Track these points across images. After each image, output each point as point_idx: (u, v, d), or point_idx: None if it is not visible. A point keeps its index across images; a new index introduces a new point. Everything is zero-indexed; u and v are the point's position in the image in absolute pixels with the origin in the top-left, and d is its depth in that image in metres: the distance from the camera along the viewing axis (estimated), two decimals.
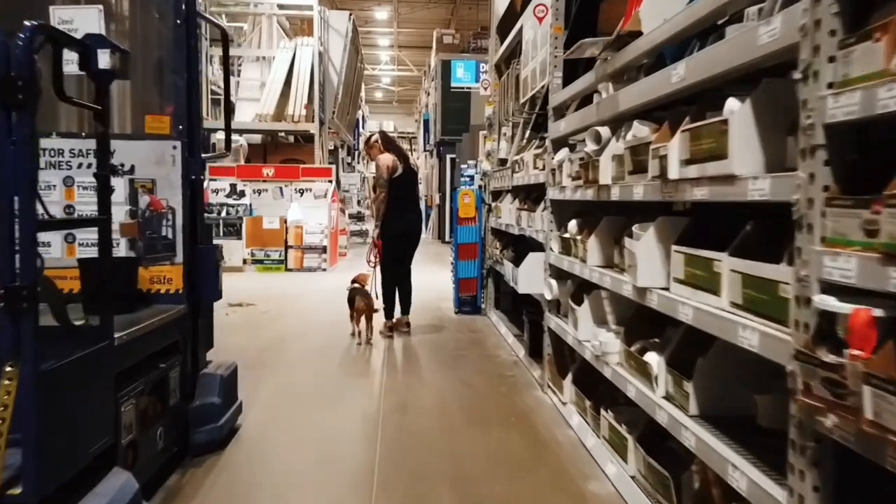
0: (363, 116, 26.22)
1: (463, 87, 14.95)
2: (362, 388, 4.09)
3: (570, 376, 3.56)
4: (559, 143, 3.87)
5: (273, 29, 13.85)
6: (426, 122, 21.50)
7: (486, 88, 10.08)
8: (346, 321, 5.43)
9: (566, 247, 3.54)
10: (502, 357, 4.85)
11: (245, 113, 13.74)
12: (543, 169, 4.15)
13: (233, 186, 10.59)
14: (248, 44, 14.46)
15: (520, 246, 4.85)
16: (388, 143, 5.69)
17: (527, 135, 5.28)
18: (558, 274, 3.88)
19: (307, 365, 4.61)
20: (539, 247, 4.13)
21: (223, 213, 10.29)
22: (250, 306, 6.90)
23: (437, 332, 5.73)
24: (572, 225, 3.49)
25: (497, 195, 6.27)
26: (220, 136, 12.41)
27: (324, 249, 10.26)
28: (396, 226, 5.54)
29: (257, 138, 13.98)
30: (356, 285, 5.63)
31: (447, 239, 16.01)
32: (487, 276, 6.53)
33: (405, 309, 5.74)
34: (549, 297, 3.87)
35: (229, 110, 3.34)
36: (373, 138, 5.71)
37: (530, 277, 4.04)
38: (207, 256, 3.02)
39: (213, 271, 3.03)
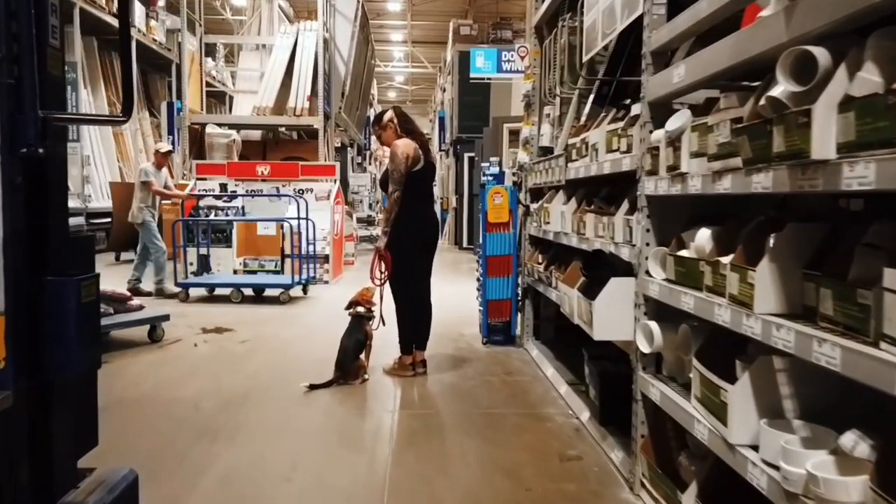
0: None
1: (483, 78, 13.57)
2: (354, 481, 2.71)
3: (693, 487, 2.16)
4: (661, 109, 2.49)
5: (274, 14, 12.58)
6: (441, 120, 20.20)
7: (522, 58, 8.70)
8: None
9: (689, 273, 2.14)
10: (556, 419, 3.45)
11: (243, 106, 12.49)
12: (628, 151, 2.77)
13: (223, 187, 9.27)
14: (246, 30, 13.19)
15: (586, 265, 3.44)
16: (407, 124, 4.31)
17: (586, 110, 3.89)
18: (660, 312, 2.49)
19: (280, 432, 3.24)
20: (622, 267, 2.73)
21: (211, 217, 8.95)
22: (227, 332, 5.55)
23: (462, 374, 4.34)
24: (702, 238, 2.09)
25: (538, 194, 4.89)
26: (213, 129, 11.22)
27: (326, 259, 8.91)
28: (415, 231, 4.18)
29: (257, 134, 12.71)
30: (359, 309, 4.27)
31: (465, 245, 14.65)
32: (524, 298, 5.13)
33: (421, 342, 4.37)
34: (646, 349, 2.48)
35: (127, 44, 1.99)
36: (386, 117, 4.31)
37: (612, 316, 2.64)
38: (62, 297, 1.66)
39: (72, 323, 1.67)
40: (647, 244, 2.51)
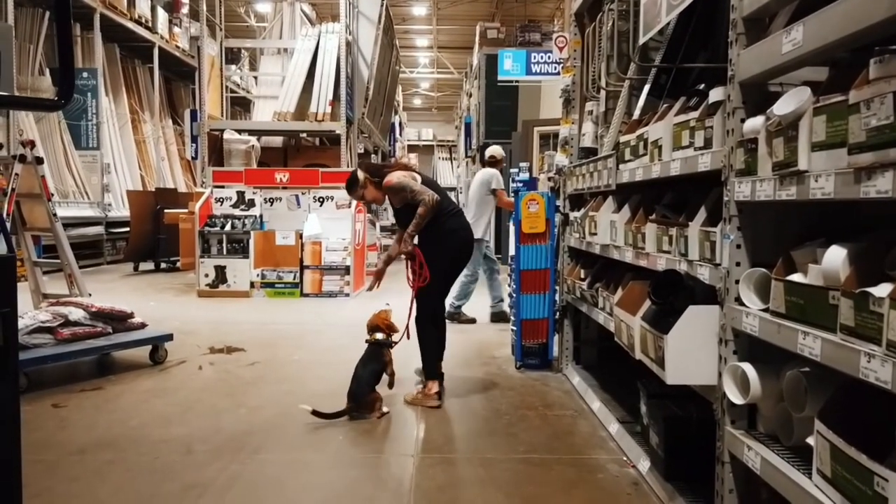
0: (400, 122, 24.52)
1: (511, 81, 13.04)
2: None
3: None
4: (756, 91, 1.94)
5: (296, 17, 12.23)
6: (467, 126, 19.71)
7: (560, 49, 8.19)
8: None
9: (809, 306, 1.59)
10: (608, 468, 2.89)
11: (263, 112, 12.15)
12: (706, 146, 2.22)
13: (240, 195, 8.86)
14: (268, 34, 12.87)
15: (655, 289, 2.87)
16: (379, 171, 3.96)
17: (639, 104, 3.34)
18: (752, 350, 1.94)
19: (280, 487, 2.72)
20: (702, 292, 2.18)
21: (227, 227, 8.55)
22: (236, 353, 5.09)
23: (494, 406, 3.79)
24: (834, 259, 1.54)
25: (578, 201, 4.34)
26: (230, 136, 10.87)
27: (346, 270, 8.45)
28: (461, 233, 3.95)
29: (278, 141, 12.35)
30: (378, 336, 3.75)
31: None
32: (563, 317, 4.58)
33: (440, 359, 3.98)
34: (738, 399, 1.92)
35: (65, 6, 1.52)
36: (359, 178, 3.89)
37: (690, 355, 2.09)
38: None
39: None
40: (738, 264, 1.96)
